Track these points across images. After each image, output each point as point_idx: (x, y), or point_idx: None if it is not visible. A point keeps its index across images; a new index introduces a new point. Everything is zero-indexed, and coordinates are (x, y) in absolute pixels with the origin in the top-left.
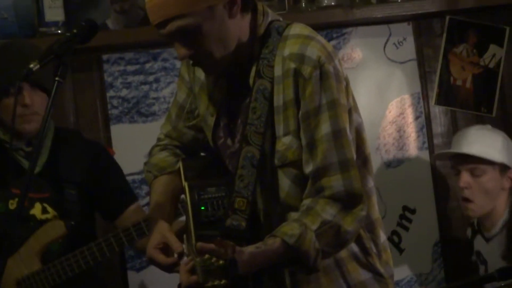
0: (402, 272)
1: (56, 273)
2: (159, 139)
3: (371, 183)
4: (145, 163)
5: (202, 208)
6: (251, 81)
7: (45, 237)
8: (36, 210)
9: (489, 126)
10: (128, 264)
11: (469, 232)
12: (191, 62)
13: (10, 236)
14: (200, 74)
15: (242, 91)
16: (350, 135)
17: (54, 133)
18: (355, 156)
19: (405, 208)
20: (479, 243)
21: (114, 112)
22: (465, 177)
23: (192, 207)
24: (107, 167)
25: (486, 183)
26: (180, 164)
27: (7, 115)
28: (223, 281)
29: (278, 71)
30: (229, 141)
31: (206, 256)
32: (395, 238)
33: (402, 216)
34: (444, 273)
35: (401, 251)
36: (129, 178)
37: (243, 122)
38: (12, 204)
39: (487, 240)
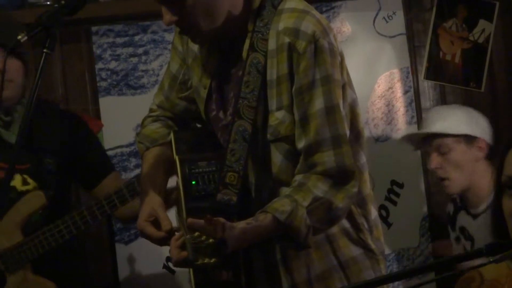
0: (390, 246)
1: (39, 243)
2: (151, 110)
3: (363, 158)
4: (137, 134)
5: (193, 182)
6: (244, 54)
7: (25, 208)
8: (17, 182)
9: (454, 105)
10: (117, 237)
11: (450, 207)
12: (178, 30)
13: None
14: (193, 45)
15: (235, 63)
16: (343, 111)
17: (33, 104)
18: (348, 132)
19: (393, 182)
20: (463, 219)
21: (103, 84)
22: (434, 158)
23: (183, 181)
24: (84, 137)
25: (455, 158)
26: (171, 136)
27: None
28: (213, 260)
29: (272, 45)
30: (221, 114)
31: (196, 233)
32: (383, 212)
33: (390, 191)
34: (431, 248)
35: (389, 225)
36: (117, 151)
37: (236, 95)
38: None
39: (474, 216)
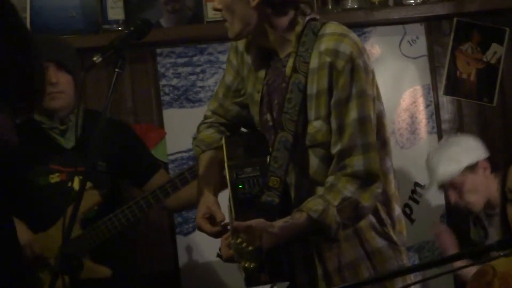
0: (413, 239)
1: (95, 235)
2: (206, 117)
3: (388, 163)
4: (194, 138)
5: (240, 186)
6: (288, 70)
7: (83, 205)
8: (75, 183)
9: (445, 143)
10: (177, 229)
11: None
12: (233, 46)
13: (53, 208)
14: (248, 58)
15: (279, 75)
16: (374, 121)
17: (84, 114)
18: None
19: (416, 184)
20: (480, 213)
21: (166, 98)
22: (452, 194)
23: (231, 185)
24: (132, 141)
25: (468, 187)
26: (223, 141)
27: None
28: (252, 265)
29: (314, 63)
30: (268, 116)
31: (239, 240)
32: (407, 210)
33: (413, 191)
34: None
35: (412, 221)
36: (178, 156)
37: (279, 110)
38: (53, 178)
39: (489, 216)
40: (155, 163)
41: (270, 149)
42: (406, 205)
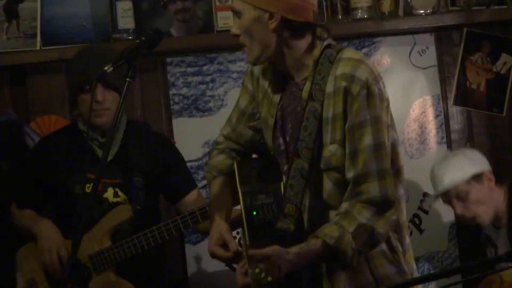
0: (422, 249)
1: (123, 251)
2: (217, 143)
3: (401, 191)
4: (206, 164)
5: (254, 213)
6: (304, 94)
7: (114, 219)
8: (109, 194)
9: (450, 154)
10: (186, 238)
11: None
12: (249, 70)
13: (87, 216)
14: (264, 83)
15: (295, 99)
16: (389, 148)
17: (125, 126)
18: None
19: (425, 194)
20: (489, 229)
21: (176, 107)
22: (457, 205)
23: (245, 211)
24: (171, 157)
25: (474, 197)
26: (235, 166)
27: (83, 108)
28: None
29: (330, 87)
30: (281, 140)
31: (257, 270)
32: (416, 220)
33: (422, 201)
34: (458, 251)
35: (421, 231)
36: (187, 164)
37: (295, 138)
38: (89, 188)
39: (497, 228)
40: (191, 181)
41: (284, 174)
42: (415, 215)
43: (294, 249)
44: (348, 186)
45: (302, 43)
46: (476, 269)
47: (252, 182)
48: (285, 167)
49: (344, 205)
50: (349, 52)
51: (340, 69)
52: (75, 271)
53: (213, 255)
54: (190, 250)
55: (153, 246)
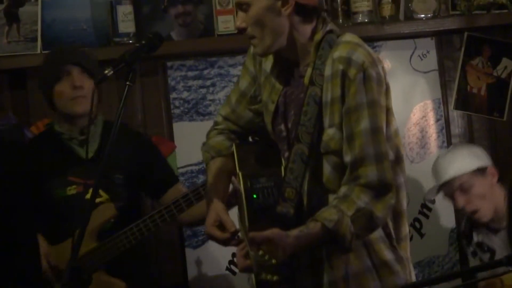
0: (422, 254)
1: (110, 248)
2: (216, 123)
3: (401, 179)
4: (203, 144)
5: (254, 196)
6: (306, 80)
7: (98, 218)
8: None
9: (455, 147)
10: (186, 242)
11: (463, 226)
12: (251, 52)
13: (69, 220)
14: (266, 66)
15: (298, 85)
16: (385, 133)
17: (103, 125)
18: (390, 152)
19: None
20: (483, 235)
21: (176, 111)
22: (459, 197)
23: (246, 195)
24: (150, 154)
25: (478, 191)
26: (234, 149)
27: (60, 100)
28: (275, 277)
29: (328, 71)
30: (282, 127)
31: (261, 252)
32: (417, 224)
33: (423, 205)
34: (459, 255)
35: (422, 235)
36: (188, 169)
37: (296, 123)
38: (70, 190)
39: (495, 231)
40: (172, 176)
41: (285, 160)
42: (415, 220)
43: (294, 232)
44: (346, 170)
45: (308, 28)
46: (476, 273)
47: (252, 165)
48: (286, 154)
49: (343, 189)
50: (347, 36)
51: (338, 52)
52: (75, 275)
53: (210, 236)
54: (190, 254)
55: (140, 240)
